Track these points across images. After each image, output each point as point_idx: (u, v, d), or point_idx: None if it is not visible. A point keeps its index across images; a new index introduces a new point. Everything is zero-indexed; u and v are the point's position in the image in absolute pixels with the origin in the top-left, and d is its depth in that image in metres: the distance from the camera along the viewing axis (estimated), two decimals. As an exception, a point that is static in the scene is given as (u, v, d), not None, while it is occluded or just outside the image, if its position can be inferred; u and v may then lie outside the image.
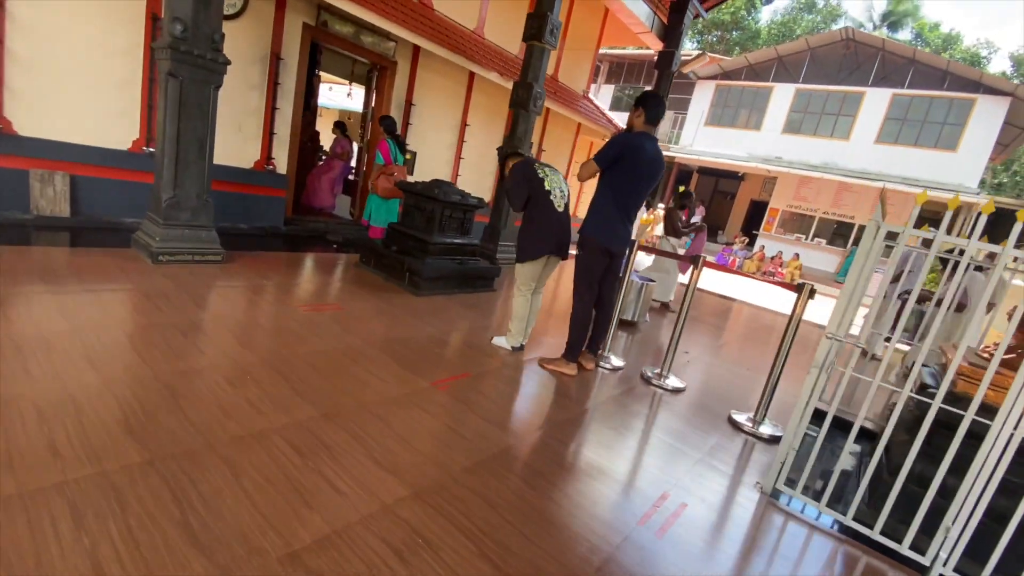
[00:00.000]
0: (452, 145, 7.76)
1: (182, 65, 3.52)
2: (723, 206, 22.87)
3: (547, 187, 3.21)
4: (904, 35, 31.56)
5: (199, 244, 3.91)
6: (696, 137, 20.22)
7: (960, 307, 4.49)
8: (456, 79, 7.43)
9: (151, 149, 4.72)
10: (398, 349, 3.14)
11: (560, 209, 3.27)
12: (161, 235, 3.71)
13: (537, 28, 6.28)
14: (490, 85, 7.89)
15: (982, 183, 15.99)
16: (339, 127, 7.65)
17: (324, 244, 6.00)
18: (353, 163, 8.03)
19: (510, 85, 7.42)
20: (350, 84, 8.37)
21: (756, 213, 20.97)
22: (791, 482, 2.36)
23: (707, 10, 10.24)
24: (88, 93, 4.29)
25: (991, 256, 4.71)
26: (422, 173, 7.22)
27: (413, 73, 6.81)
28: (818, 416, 2.51)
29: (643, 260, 6.24)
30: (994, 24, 60.59)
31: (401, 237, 4.83)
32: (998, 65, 29.24)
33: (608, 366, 3.69)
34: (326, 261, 5.07)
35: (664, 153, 15.06)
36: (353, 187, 7.39)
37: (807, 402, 2.28)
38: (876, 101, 16.72)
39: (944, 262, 4.65)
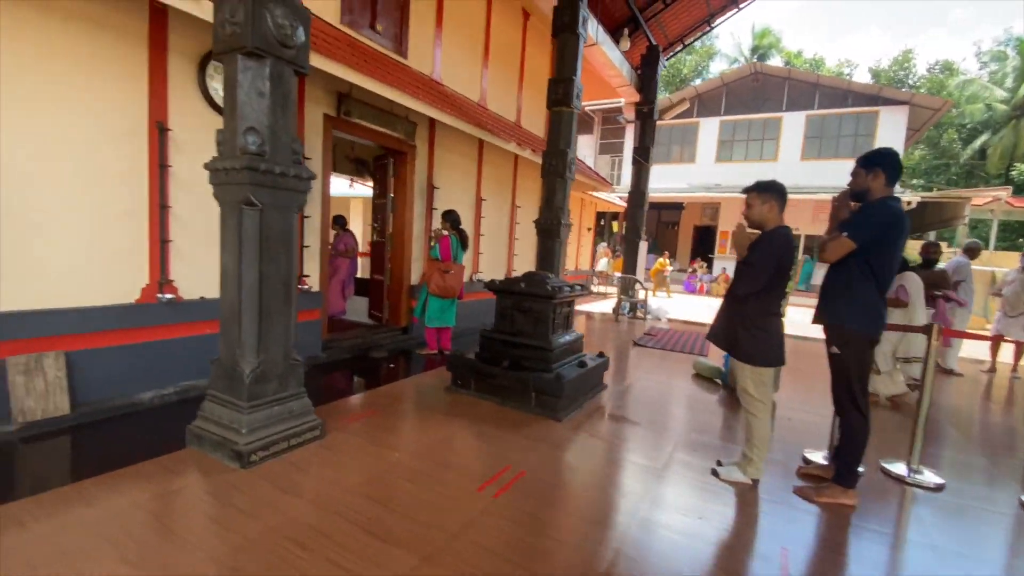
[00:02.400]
0: (470, 221, 7.04)
1: (262, 189, 2.59)
2: (669, 235, 23.73)
3: (788, 285, 2.60)
4: (775, 63, 35.72)
5: (294, 422, 2.83)
6: (637, 175, 20.97)
7: (898, 304, 4.56)
8: (468, 155, 6.82)
9: (167, 296, 3.56)
10: (674, 538, 2.29)
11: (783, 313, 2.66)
12: (248, 423, 2.61)
13: (563, 93, 5.90)
14: (497, 156, 7.36)
15: (916, 184, 17.77)
16: (338, 221, 6.69)
17: (376, 364, 4.95)
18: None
19: (524, 153, 6.98)
20: (351, 178, 7.48)
21: (701, 238, 21.97)
22: None
23: (667, 59, 10.61)
24: (77, 235, 3.14)
25: None
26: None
27: (431, 154, 6.10)
28: None
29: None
30: (827, 39, 71.34)
31: (506, 347, 3.97)
32: (859, 78, 33.74)
33: (847, 471, 3.03)
34: (410, 392, 4.05)
35: (611, 195, 15.23)
36: (374, 286, 6.38)
37: None
38: (793, 124, 18.33)
39: None
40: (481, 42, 6.80)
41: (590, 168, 10.44)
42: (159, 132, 3.46)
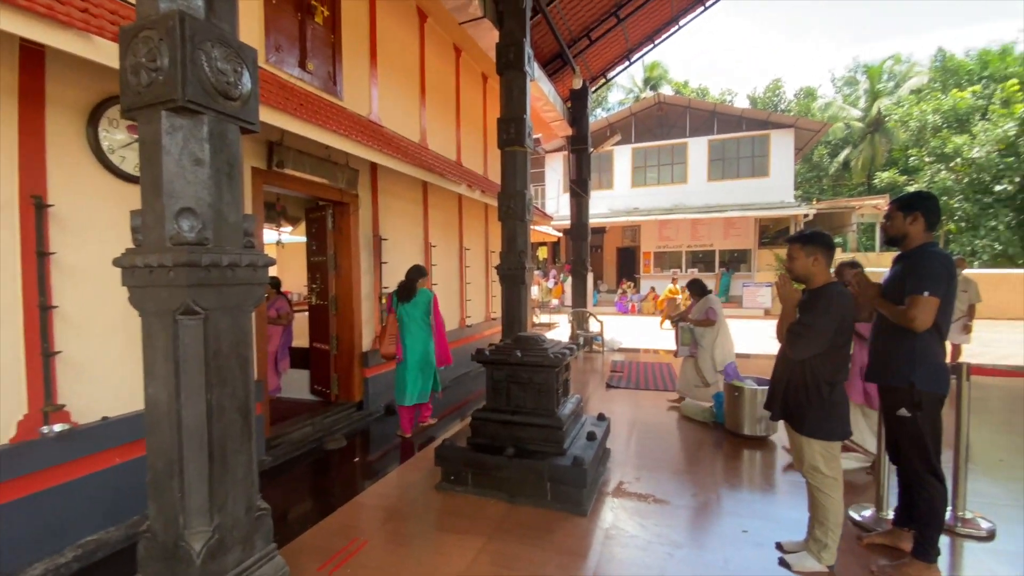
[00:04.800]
0: (421, 273, 6.43)
1: (206, 289, 1.88)
2: (594, 258, 24.33)
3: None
4: (666, 92, 38.75)
5: (268, 596, 2.07)
6: (559, 204, 21.38)
7: (709, 323, 5.27)
8: (414, 200, 6.26)
9: (57, 427, 2.62)
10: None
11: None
12: (204, 622, 1.83)
13: (516, 132, 5.55)
14: (442, 198, 6.87)
15: (796, 196, 19.59)
16: (271, 283, 5.76)
17: (335, 457, 4.14)
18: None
19: (474, 195, 6.58)
20: (278, 228, 6.50)
21: (624, 259, 22.77)
22: None
23: (593, 91, 10.80)
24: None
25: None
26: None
27: (375, 203, 5.46)
28: None
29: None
30: (705, 70, 79.59)
31: (505, 429, 3.41)
32: (739, 104, 37.43)
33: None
34: (394, 499, 3.32)
35: (544, 227, 15.29)
36: (317, 357, 5.51)
37: None
38: (697, 148, 19.69)
39: (693, 286, 5.55)
40: (417, 79, 6.33)
41: (535, 207, 10.23)
42: (35, 209, 2.58)
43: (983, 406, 5.29)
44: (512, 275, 5.71)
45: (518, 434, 3.37)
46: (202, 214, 1.88)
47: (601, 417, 4.03)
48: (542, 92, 8.04)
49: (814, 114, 31.29)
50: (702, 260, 20.03)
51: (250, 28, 3.92)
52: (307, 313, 5.83)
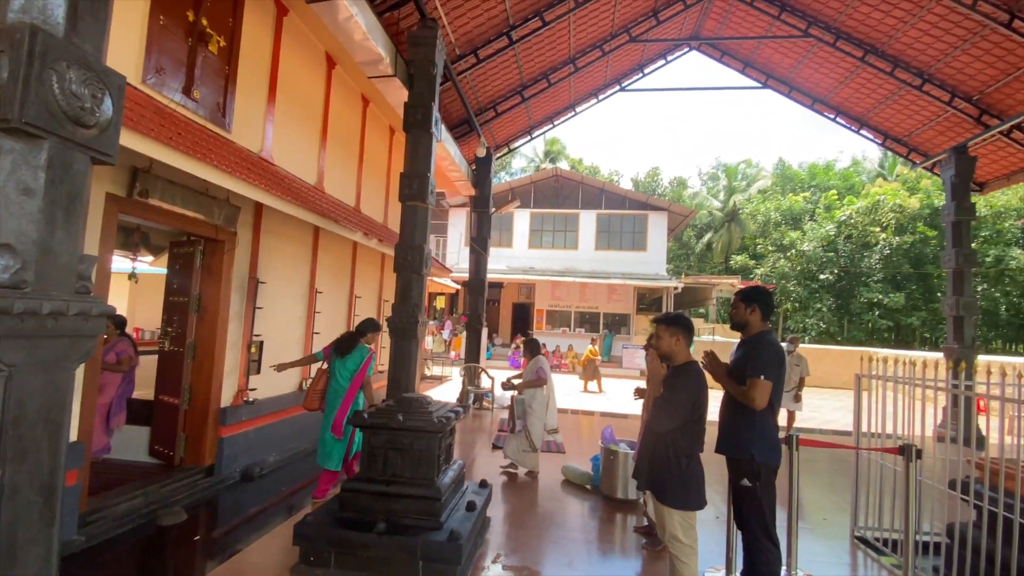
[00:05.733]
0: (302, 318, 5.99)
1: (14, 342, 1.55)
2: (491, 312, 24.66)
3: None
4: (563, 166, 42.06)
5: None
6: (459, 256, 21.66)
7: (540, 383, 5.39)
8: (302, 242, 5.91)
9: None
10: None
11: None
12: None
13: (418, 188, 5.60)
14: (334, 243, 6.59)
15: (668, 270, 21.87)
16: (115, 321, 4.96)
17: (170, 536, 3.51)
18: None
19: (371, 243, 6.43)
20: (133, 257, 5.55)
21: (519, 314, 23.44)
22: None
23: (497, 158, 11.34)
24: None
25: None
26: (274, 361, 5.21)
27: (256, 242, 5.06)
28: None
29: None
30: (596, 149, 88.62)
31: (379, 501, 3.17)
32: (624, 184, 41.67)
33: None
34: (236, 587, 2.88)
35: (444, 279, 15.36)
36: (162, 412, 4.76)
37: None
38: (587, 220, 21.42)
39: (528, 345, 5.70)
40: (320, 122, 6.18)
41: (435, 259, 10.20)
42: None
43: (810, 468, 6.08)
44: (403, 328, 5.56)
45: (393, 507, 3.15)
46: (23, 252, 1.59)
47: (483, 484, 3.94)
48: (448, 153, 8.26)
49: (684, 201, 35.90)
50: (588, 321, 21.29)
51: (128, 44, 3.60)
52: (156, 358, 5.09)
